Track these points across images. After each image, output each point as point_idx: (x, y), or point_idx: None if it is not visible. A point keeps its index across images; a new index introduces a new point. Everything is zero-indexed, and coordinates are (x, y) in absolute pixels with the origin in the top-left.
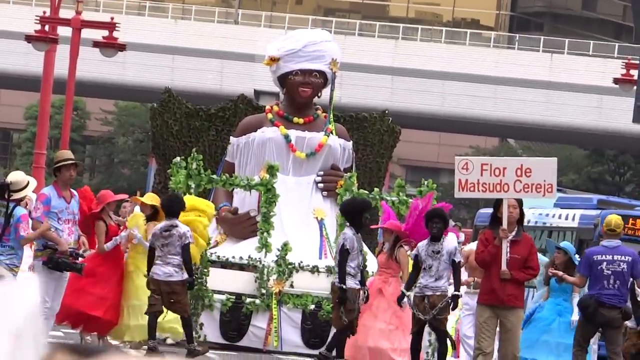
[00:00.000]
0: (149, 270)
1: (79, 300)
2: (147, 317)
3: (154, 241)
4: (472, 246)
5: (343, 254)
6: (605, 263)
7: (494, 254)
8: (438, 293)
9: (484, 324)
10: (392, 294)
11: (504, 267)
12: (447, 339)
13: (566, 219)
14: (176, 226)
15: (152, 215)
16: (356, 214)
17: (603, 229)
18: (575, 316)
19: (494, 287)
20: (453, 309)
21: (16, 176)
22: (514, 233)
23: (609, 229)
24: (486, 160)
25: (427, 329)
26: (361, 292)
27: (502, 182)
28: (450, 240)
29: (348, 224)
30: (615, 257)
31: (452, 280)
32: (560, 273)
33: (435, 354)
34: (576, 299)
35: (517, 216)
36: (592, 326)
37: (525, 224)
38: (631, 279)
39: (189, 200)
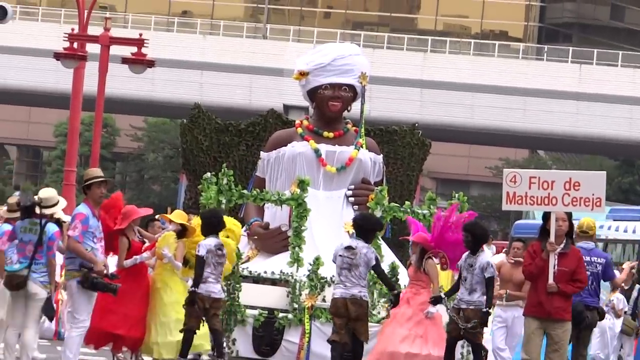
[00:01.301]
0: (197, 284)
1: (102, 319)
2: (174, 334)
3: (209, 257)
4: (501, 257)
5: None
6: (585, 264)
7: (542, 267)
8: (472, 307)
9: (532, 335)
10: (422, 303)
11: (551, 280)
12: (482, 352)
13: (625, 231)
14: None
15: (179, 233)
16: (369, 231)
17: (576, 231)
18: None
19: (541, 300)
20: (482, 326)
21: (47, 192)
22: (562, 245)
23: (581, 231)
24: (534, 173)
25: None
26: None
27: (550, 195)
28: (485, 255)
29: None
30: (593, 259)
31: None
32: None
33: None
34: None
35: (567, 229)
36: (575, 328)
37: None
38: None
39: None
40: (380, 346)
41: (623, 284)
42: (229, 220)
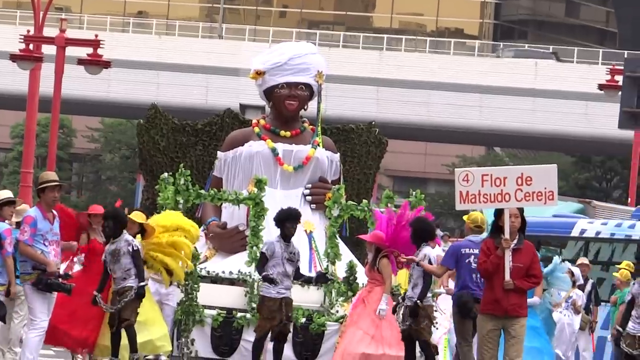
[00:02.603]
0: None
1: (70, 324)
2: (142, 334)
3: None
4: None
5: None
6: (472, 257)
7: (497, 264)
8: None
9: (487, 336)
10: (375, 301)
11: (507, 277)
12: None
13: None
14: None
15: (139, 232)
16: (279, 223)
17: (468, 225)
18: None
19: (497, 298)
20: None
21: (2, 194)
22: (515, 241)
23: (475, 225)
24: (487, 170)
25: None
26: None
27: (504, 191)
28: (426, 249)
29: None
30: None
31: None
32: (417, 259)
33: None
34: (534, 300)
35: (519, 225)
36: (469, 320)
37: (606, 235)
38: None
39: (174, 220)
40: (341, 348)
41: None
42: (187, 222)
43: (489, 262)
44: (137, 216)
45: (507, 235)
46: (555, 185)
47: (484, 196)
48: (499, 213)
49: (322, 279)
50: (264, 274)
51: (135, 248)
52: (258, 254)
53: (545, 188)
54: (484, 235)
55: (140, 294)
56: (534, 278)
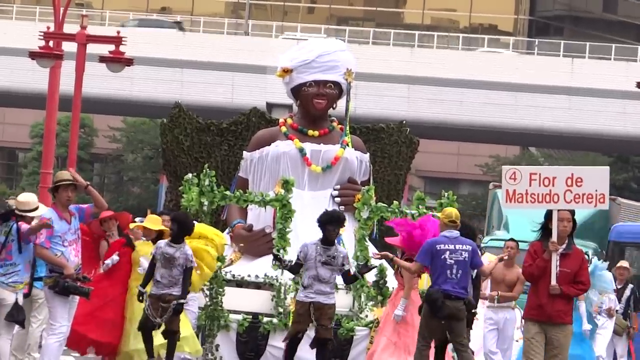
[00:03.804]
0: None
1: (89, 326)
2: (155, 338)
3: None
4: (492, 258)
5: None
6: (448, 252)
7: (543, 268)
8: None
9: (532, 339)
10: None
11: (553, 282)
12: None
13: None
14: None
15: (157, 238)
16: (322, 226)
17: (443, 220)
18: (586, 325)
19: (541, 303)
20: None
21: (24, 197)
22: (564, 246)
23: (450, 220)
24: (535, 169)
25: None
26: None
27: (552, 192)
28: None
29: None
30: (457, 247)
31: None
32: (391, 256)
33: None
34: (582, 307)
35: (570, 229)
36: (438, 319)
37: None
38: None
39: (198, 227)
40: (369, 353)
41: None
42: (210, 230)
43: (535, 265)
44: (153, 222)
45: (554, 238)
46: (607, 188)
47: (532, 196)
48: (549, 215)
49: (365, 269)
50: (278, 255)
51: (190, 266)
52: (273, 252)
53: (596, 190)
54: (457, 232)
55: (178, 310)
56: (582, 285)
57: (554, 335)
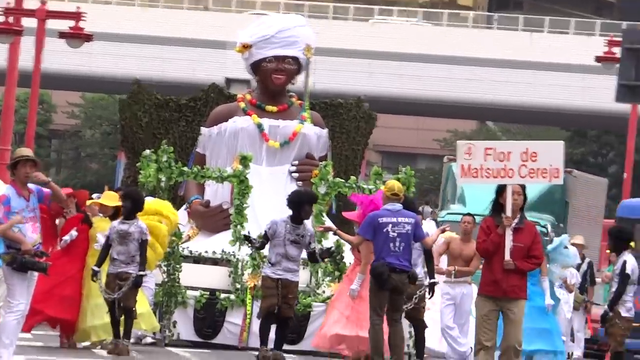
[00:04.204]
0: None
1: (47, 303)
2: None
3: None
4: (451, 234)
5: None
6: (390, 225)
7: (497, 243)
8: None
9: (485, 317)
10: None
11: (507, 257)
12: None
13: None
14: None
15: (114, 215)
16: (297, 205)
17: (385, 193)
18: (549, 300)
19: (496, 278)
20: (430, 298)
21: None
22: (516, 220)
23: (392, 193)
24: (490, 144)
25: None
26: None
27: (507, 167)
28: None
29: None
30: (400, 220)
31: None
32: (334, 229)
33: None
34: (545, 282)
35: (522, 203)
36: (385, 292)
37: None
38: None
39: (154, 204)
40: (321, 328)
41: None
42: (166, 207)
43: (489, 241)
44: (110, 198)
45: (508, 212)
46: (562, 163)
47: (487, 171)
48: (500, 190)
49: (326, 254)
50: (248, 236)
51: (146, 238)
52: (242, 234)
53: (550, 165)
54: (400, 205)
55: (138, 283)
56: (535, 259)
57: (509, 310)
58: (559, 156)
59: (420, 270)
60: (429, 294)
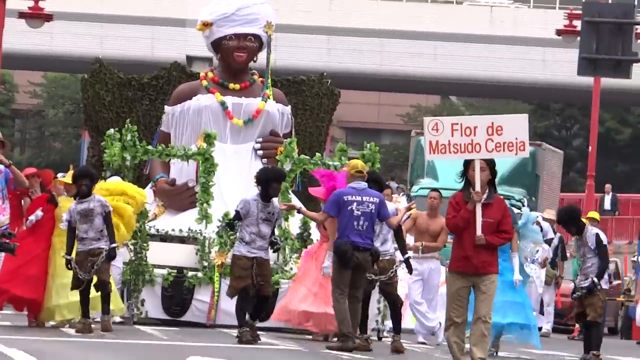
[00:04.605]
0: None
1: (13, 283)
2: (76, 294)
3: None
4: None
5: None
6: (355, 204)
7: (467, 219)
8: (387, 257)
9: (456, 293)
10: (322, 258)
11: (479, 232)
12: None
13: None
14: None
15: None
16: (265, 183)
17: (349, 171)
18: (517, 275)
19: (467, 254)
20: (410, 273)
21: None
22: (485, 195)
23: (356, 171)
24: (456, 119)
25: (375, 296)
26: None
27: (474, 142)
28: (389, 204)
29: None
30: (364, 199)
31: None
32: (297, 206)
33: (385, 322)
34: (515, 258)
35: (488, 177)
36: (348, 270)
37: None
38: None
39: (120, 184)
40: (283, 302)
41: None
42: (132, 187)
43: (459, 217)
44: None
45: (477, 187)
46: (527, 135)
47: (454, 146)
48: (467, 165)
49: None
50: (226, 219)
51: (108, 210)
52: (209, 211)
53: (516, 138)
54: (365, 184)
55: (111, 256)
56: (505, 234)
57: (481, 284)
58: (524, 129)
59: (390, 246)
60: (407, 269)
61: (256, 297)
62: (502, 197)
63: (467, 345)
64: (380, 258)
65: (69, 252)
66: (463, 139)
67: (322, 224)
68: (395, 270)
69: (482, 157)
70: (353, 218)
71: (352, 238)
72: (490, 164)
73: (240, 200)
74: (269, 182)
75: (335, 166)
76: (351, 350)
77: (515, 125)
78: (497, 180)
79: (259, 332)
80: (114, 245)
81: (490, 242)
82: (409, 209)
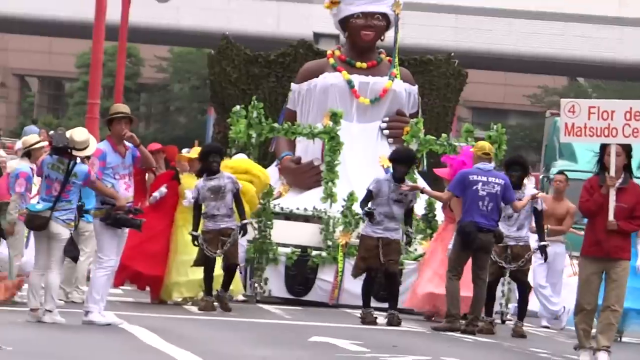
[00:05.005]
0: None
1: (135, 259)
2: (196, 272)
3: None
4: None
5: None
6: (480, 184)
7: (600, 203)
8: (521, 243)
9: (587, 280)
10: (447, 240)
11: (611, 217)
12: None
13: None
14: None
15: (201, 170)
16: (398, 164)
17: (476, 153)
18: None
19: (599, 239)
20: (545, 260)
21: (80, 136)
22: (620, 180)
23: (483, 153)
24: (594, 102)
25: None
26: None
27: (611, 126)
28: (531, 189)
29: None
30: (490, 179)
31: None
32: (421, 187)
33: (510, 305)
34: (639, 244)
35: (623, 162)
36: (469, 251)
37: None
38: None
39: (244, 162)
40: (414, 287)
41: None
42: (256, 167)
43: (592, 201)
44: (199, 152)
45: (612, 172)
46: None
47: (590, 129)
48: (603, 149)
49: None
50: (365, 208)
51: (239, 187)
52: (333, 190)
53: None
54: (491, 165)
55: (245, 231)
56: (639, 220)
57: (612, 270)
58: None
59: (526, 232)
60: (542, 255)
61: (385, 277)
62: None
63: (593, 330)
64: (515, 244)
65: (195, 229)
66: (600, 123)
67: (447, 204)
68: (530, 258)
69: (618, 142)
70: (478, 198)
71: (476, 219)
72: (626, 149)
73: (373, 179)
74: (393, 162)
75: (461, 147)
76: (458, 331)
77: None
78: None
79: (385, 313)
80: (246, 221)
81: (622, 228)
82: (533, 197)
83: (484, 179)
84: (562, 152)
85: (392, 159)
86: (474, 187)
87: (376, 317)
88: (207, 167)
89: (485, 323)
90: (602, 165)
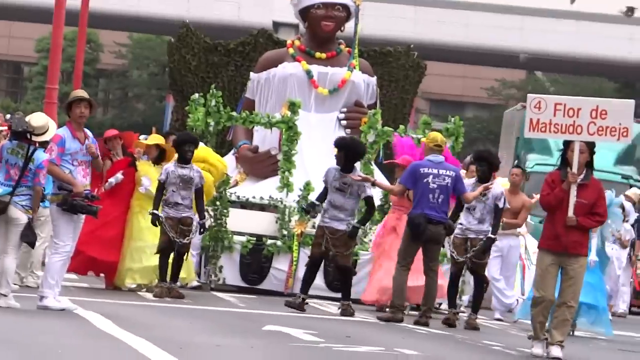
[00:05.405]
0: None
1: (90, 245)
2: (151, 259)
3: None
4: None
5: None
6: (431, 177)
7: (561, 198)
8: (481, 236)
9: (545, 271)
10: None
11: (571, 212)
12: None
13: None
14: None
15: (158, 156)
16: (339, 151)
17: (428, 145)
18: (593, 256)
19: (558, 233)
20: (485, 252)
21: (39, 121)
22: (581, 176)
23: (435, 145)
24: (560, 99)
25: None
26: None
27: (576, 123)
28: (498, 185)
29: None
30: (441, 172)
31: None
32: (372, 179)
33: (464, 297)
34: (593, 239)
35: (586, 159)
36: (419, 242)
37: None
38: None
39: (202, 151)
40: (376, 281)
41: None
42: (214, 155)
43: (553, 195)
44: (155, 139)
45: (575, 169)
46: (631, 121)
47: (555, 126)
48: (567, 145)
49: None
50: (306, 203)
51: (202, 183)
52: (290, 180)
53: (619, 124)
54: (442, 157)
55: (204, 231)
56: (598, 216)
57: (569, 266)
58: (629, 115)
59: (487, 227)
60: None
61: (336, 270)
62: (622, 176)
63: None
64: (474, 237)
65: (155, 209)
66: (565, 120)
67: (404, 195)
68: (483, 250)
69: (582, 140)
70: (428, 191)
71: (426, 211)
72: (590, 146)
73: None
74: (337, 149)
75: (419, 139)
76: (400, 321)
77: (620, 111)
78: (613, 159)
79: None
80: (203, 221)
81: (581, 224)
82: (485, 188)
83: (435, 171)
84: (534, 146)
85: (335, 145)
86: (425, 180)
87: (306, 303)
88: (181, 155)
89: (449, 314)
90: (565, 160)
